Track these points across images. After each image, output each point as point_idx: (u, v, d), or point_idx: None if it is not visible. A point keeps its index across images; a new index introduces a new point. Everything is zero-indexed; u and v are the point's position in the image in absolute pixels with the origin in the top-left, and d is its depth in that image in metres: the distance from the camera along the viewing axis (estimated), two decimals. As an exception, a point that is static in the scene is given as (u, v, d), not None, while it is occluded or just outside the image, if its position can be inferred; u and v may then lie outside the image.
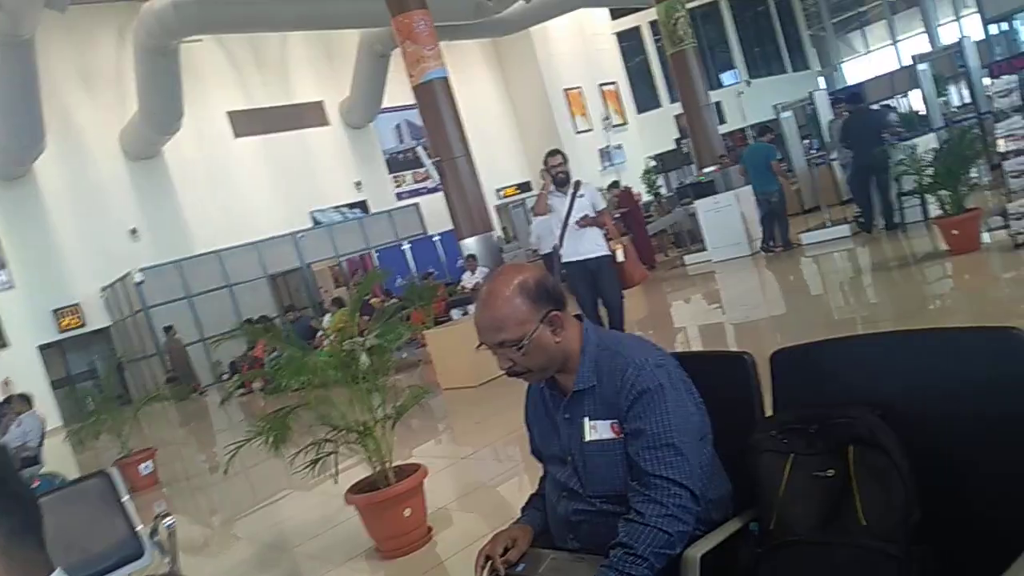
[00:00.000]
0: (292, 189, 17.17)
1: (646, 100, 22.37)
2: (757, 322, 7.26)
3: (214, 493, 6.46)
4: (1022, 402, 1.38)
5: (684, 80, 15.64)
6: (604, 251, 5.93)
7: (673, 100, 19.69)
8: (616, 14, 21.77)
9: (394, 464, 3.65)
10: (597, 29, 21.44)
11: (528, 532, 1.82)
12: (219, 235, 15.78)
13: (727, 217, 10.93)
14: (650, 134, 21.06)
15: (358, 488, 3.64)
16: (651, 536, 1.52)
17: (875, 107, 10.97)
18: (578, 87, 20.43)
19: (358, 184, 18.18)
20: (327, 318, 11.69)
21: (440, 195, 11.97)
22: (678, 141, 19.23)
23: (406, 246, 16.33)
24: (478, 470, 4.96)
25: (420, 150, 18.48)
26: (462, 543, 3.52)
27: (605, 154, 20.23)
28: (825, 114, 11.95)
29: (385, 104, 17.83)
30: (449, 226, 12.21)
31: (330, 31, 17.22)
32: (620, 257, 6.06)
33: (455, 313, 8.29)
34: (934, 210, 7.89)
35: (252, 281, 15.86)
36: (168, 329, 14.65)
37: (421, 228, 17.91)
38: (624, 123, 21.23)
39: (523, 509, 1.91)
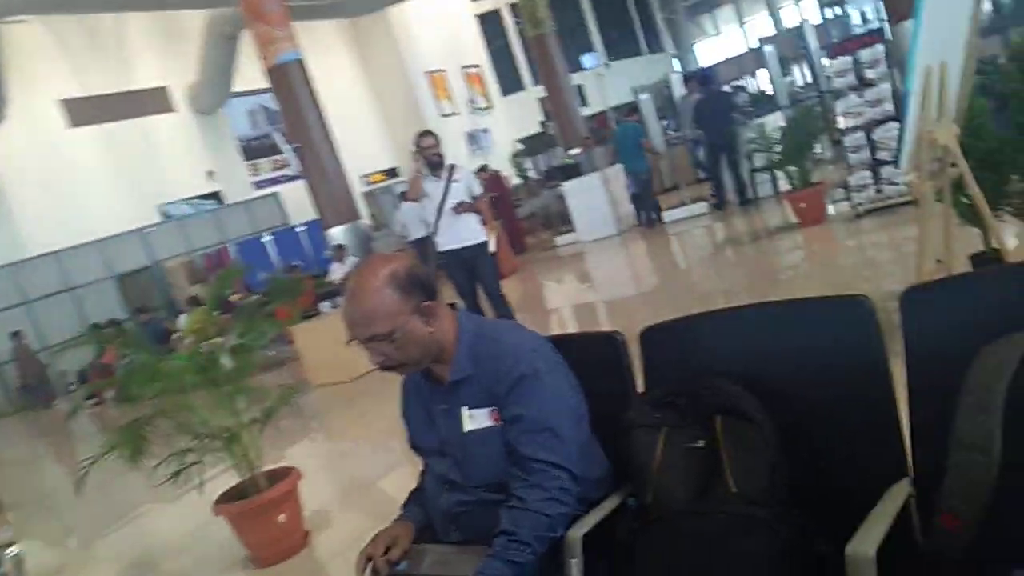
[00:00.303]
0: (137, 182, 16.01)
1: (510, 83, 22.51)
2: (627, 299, 7.48)
3: (68, 514, 5.97)
4: (870, 364, 1.46)
5: (545, 63, 15.86)
6: (482, 238, 5.75)
7: (536, 83, 19.90)
8: (474, -4, 21.73)
9: (265, 469, 3.49)
10: (457, 11, 21.32)
11: (410, 529, 1.78)
12: (57, 235, 14.52)
13: (594, 198, 11.18)
14: (516, 117, 21.22)
15: (228, 497, 3.46)
16: (533, 520, 1.52)
17: (724, 88, 11.50)
18: (441, 70, 20.26)
19: (210, 173, 17.19)
20: (182, 318, 11.06)
21: (302, 183, 11.54)
22: (543, 124, 19.49)
23: (267, 238, 15.66)
24: (357, 467, 4.84)
25: (277, 136, 17.74)
26: (343, 544, 3.42)
27: (472, 138, 20.21)
28: (680, 95, 12.43)
29: (237, 88, 16.95)
30: (313, 215, 11.81)
31: (172, 11, 16.17)
32: (492, 247, 5.89)
33: (324, 306, 8.03)
34: (784, 185, 8.39)
35: (97, 283, 14.73)
36: (15, 335, 13.41)
37: (283, 218, 17.24)
38: (489, 106, 21.27)
39: (404, 506, 1.87)
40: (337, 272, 10.03)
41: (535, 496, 1.53)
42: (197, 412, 3.35)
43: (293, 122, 10.43)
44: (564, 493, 1.55)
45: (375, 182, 19.51)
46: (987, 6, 8.26)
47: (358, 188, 16.51)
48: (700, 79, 11.22)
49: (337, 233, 10.60)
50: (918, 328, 1.40)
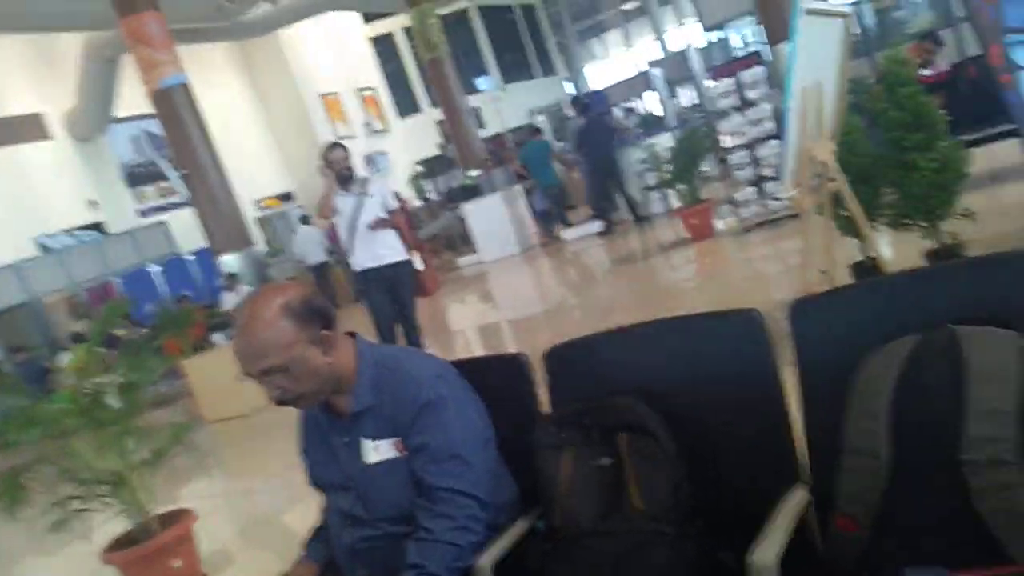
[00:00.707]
0: (12, 213, 14.96)
1: (406, 105, 22.44)
2: (531, 319, 7.53)
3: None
4: (763, 375, 1.50)
5: (442, 86, 15.91)
6: (403, 256, 5.36)
7: (433, 105, 19.92)
8: (369, 18, 21.61)
9: (158, 512, 3.29)
10: (350, 34, 21.14)
11: (312, 569, 1.72)
12: (-78, 272, 13.43)
13: (495, 218, 11.25)
14: (414, 139, 21.15)
15: (118, 544, 3.24)
16: (442, 552, 1.48)
17: (603, 114, 11.78)
18: (335, 92, 20.00)
19: (92, 203, 16.30)
20: (64, 357, 10.39)
21: (190, 210, 11.10)
22: (442, 146, 19.50)
23: (154, 268, 14.97)
24: (257, 504, 4.64)
25: (163, 162, 17.01)
26: (245, 586, 3.26)
27: (370, 160, 19.97)
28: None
29: (119, 114, 16.19)
30: (203, 243, 11.37)
31: (46, 33, 15.31)
32: (419, 265, 5.52)
33: (216, 338, 7.72)
34: (675, 202, 8.69)
35: (-31, 322, 13.68)
36: None
37: (171, 247, 16.51)
38: (386, 129, 21.13)
39: (305, 545, 1.79)
40: (229, 302, 9.65)
41: (443, 526, 1.49)
42: (81, 456, 3.12)
43: (180, 147, 10.04)
44: (473, 521, 1.52)
45: (269, 207, 19.00)
46: (855, 29, 8.87)
47: (251, 213, 16.05)
48: (581, 106, 11.38)
49: (229, 261, 10.23)
50: (807, 338, 1.46)
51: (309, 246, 12.93)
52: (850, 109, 3.89)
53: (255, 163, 18.39)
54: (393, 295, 5.33)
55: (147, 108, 10.70)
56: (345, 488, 1.65)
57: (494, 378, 1.78)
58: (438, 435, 1.54)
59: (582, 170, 10.49)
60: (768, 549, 1.23)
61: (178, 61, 9.76)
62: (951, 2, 9.15)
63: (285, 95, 19.67)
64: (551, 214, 11.12)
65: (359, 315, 10.34)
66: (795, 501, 1.40)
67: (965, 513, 1.05)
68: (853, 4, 10.08)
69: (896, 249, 4.56)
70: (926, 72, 5.75)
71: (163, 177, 17.40)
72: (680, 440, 1.50)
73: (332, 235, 12.73)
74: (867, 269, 3.87)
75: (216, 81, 17.71)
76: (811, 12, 3.22)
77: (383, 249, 5.26)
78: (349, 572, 1.67)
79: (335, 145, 5.41)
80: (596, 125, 10.32)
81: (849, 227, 3.83)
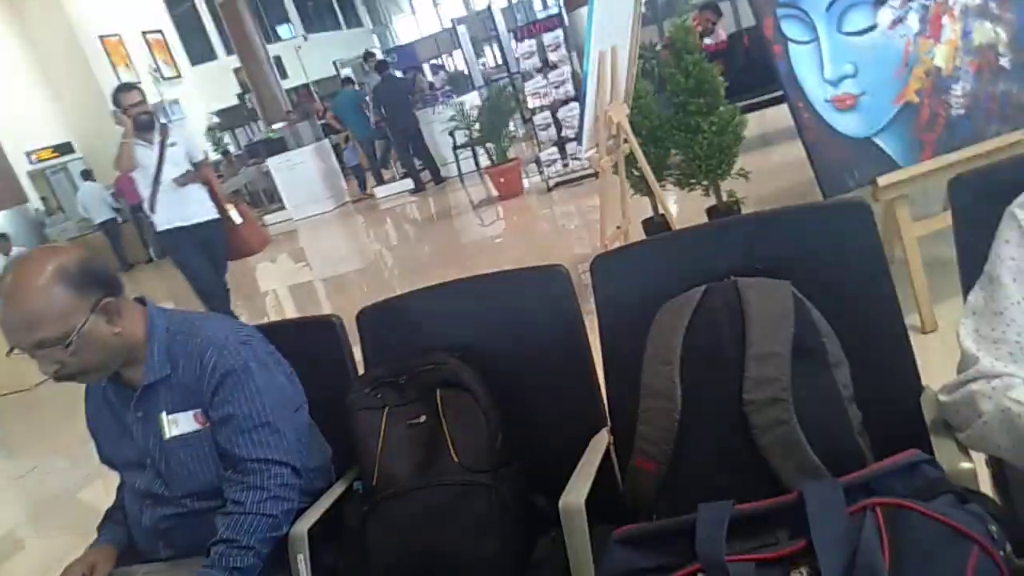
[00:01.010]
0: None
1: (200, 52, 20.76)
2: (344, 277, 7.38)
3: None
4: (568, 327, 1.59)
5: (238, 32, 14.86)
6: (214, 213, 4.83)
7: (230, 53, 18.62)
8: (154, -46, 19.66)
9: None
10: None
11: (109, 552, 1.60)
12: None
13: (304, 173, 10.82)
14: (209, 89, 19.66)
15: None
16: (255, 523, 1.44)
17: (398, 73, 11.57)
18: (116, 34, 18.10)
19: None
20: None
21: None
22: (241, 96, 18.31)
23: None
24: (47, 484, 4.26)
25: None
26: (40, 571, 2.99)
27: (160, 109, 18.37)
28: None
29: None
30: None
31: None
32: (237, 219, 4.94)
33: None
34: (484, 161, 8.81)
35: None
36: None
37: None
38: (178, 75, 19.48)
39: (99, 527, 1.67)
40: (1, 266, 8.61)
41: (255, 497, 1.45)
42: None
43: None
44: (287, 489, 1.49)
45: (44, 159, 16.99)
46: (647, -1, 9.35)
47: (23, 167, 14.29)
48: (376, 64, 11.06)
49: (-3, 220, 9.11)
50: (606, 291, 1.55)
51: (94, 202, 11.81)
52: (640, 74, 4.12)
53: (25, 111, 16.33)
54: (208, 256, 4.82)
55: None
56: (142, 465, 1.55)
57: (308, 342, 1.75)
58: (244, 405, 1.48)
59: (384, 128, 10.35)
60: (576, 492, 1.32)
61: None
62: (730, -25, 9.87)
63: (57, 37, 17.52)
64: (364, 169, 10.88)
65: (157, 277, 9.60)
66: (600, 444, 1.50)
67: (749, 449, 1.16)
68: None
69: (682, 206, 4.93)
70: (708, 41, 6.21)
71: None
72: (495, 393, 1.55)
73: (120, 190, 11.71)
74: (657, 225, 4.17)
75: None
76: (608, -23, 3.35)
77: (194, 206, 4.74)
78: (151, 552, 1.58)
79: (127, 86, 4.82)
80: (394, 84, 10.17)
81: (641, 186, 4.10)
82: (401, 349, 1.67)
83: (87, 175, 12.57)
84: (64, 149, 17.23)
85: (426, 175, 10.40)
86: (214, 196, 4.87)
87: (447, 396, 1.54)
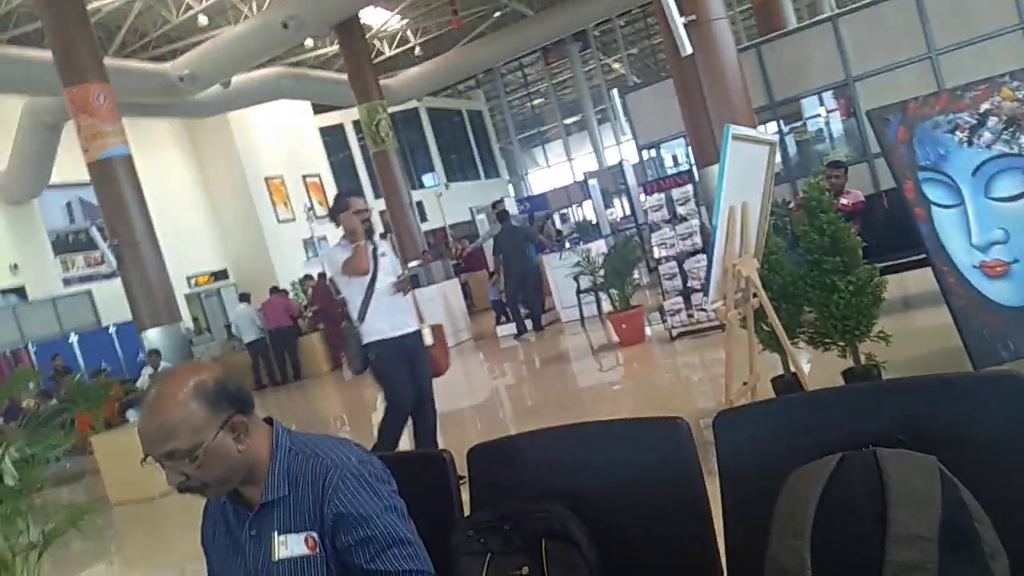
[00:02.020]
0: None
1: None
2: (460, 412, 7.42)
3: None
4: (687, 483, 1.50)
5: (387, 178, 16.17)
6: (417, 325, 4.61)
7: (377, 196, 20.16)
8: (319, 109, 21.98)
9: (38, 605, 3.02)
10: (300, 121, 21.41)
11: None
12: None
13: (432, 309, 11.23)
14: (354, 228, 21.20)
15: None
16: None
17: (516, 224, 12.00)
18: (280, 176, 20.04)
19: (14, 267, 15.68)
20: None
21: (118, 281, 10.76)
22: (383, 235, 19.55)
23: (73, 338, 14.35)
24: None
25: (95, 231, 16.57)
26: None
27: (309, 244, 19.88)
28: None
29: (54, 179, 15.82)
30: (128, 316, 10.98)
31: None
32: (429, 340, 4.69)
33: (131, 414, 7.35)
34: (607, 307, 8.85)
35: None
36: None
37: (94, 317, 15.90)
38: (328, 215, 21.20)
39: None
40: (148, 378, 9.28)
41: None
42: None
43: (114, 218, 9.86)
44: None
45: (201, 284, 18.59)
46: (778, 158, 9.44)
47: (182, 289, 15.65)
48: (499, 214, 11.42)
49: (153, 336, 9.89)
50: (730, 449, 1.47)
51: (245, 323, 12.75)
52: (773, 230, 4.07)
53: (190, 239, 18.11)
54: (412, 370, 4.54)
55: (80, 175, 10.50)
56: (248, 586, 1.54)
57: (416, 477, 1.71)
58: (377, 524, 1.47)
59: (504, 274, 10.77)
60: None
61: (122, 133, 9.69)
62: (867, 138, 9.84)
63: (230, 175, 19.64)
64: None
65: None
66: (714, 617, 1.37)
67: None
68: (777, 134, 10.76)
69: (815, 366, 4.70)
70: (844, 201, 6.12)
71: (92, 246, 16.92)
72: (602, 548, 1.47)
73: (265, 313, 12.55)
74: (788, 383, 3.97)
75: (159, 154, 17.59)
76: (738, 138, 3.41)
77: (404, 316, 4.53)
78: None
79: (353, 192, 4.70)
80: (512, 232, 10.65)
81: (771, 341, 3.95)
82: (511, 492, 1.62)
83: (244, 298, 13.57)
84: (220, 275, 18.81)
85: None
86: (417, 309, 4.72)
87: (553, 548, 1.47)
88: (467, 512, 1.67)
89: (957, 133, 2.53)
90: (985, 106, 2.54)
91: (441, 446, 4.21)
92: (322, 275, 13.92)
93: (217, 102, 16.96)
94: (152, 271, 9.94)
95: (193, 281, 18.18)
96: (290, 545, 1.50)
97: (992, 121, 2.53)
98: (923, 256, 2.60)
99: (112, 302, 14.92)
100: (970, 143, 2.52)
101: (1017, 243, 2.45)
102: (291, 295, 14.92)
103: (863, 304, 3.62)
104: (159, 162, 17.15)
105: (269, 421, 1.61)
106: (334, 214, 4.54)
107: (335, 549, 1.50)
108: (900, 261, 5.15)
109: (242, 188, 19.25)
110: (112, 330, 14.70)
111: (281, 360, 12.74)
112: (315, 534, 1.49)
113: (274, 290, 13.50)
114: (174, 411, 1.42)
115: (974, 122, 2.54)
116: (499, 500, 1.61)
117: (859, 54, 9.91)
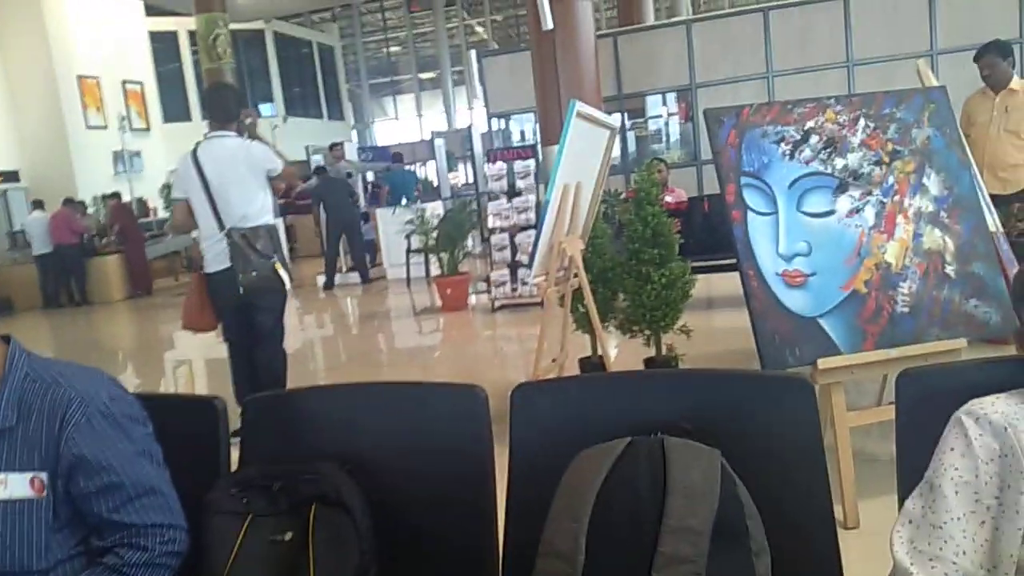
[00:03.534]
0: None
1: (176, 110, 20.86)
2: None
3: None
4: (476, 455, 1.42)
5: (218, 100, 15.07)
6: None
7: (204, 117, 18.75)
8: (152, 12, 20.01)
9: None
10: (128, 19, 19.37)
11: None
12: None
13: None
14: (175, 147, 19.58)
15: None
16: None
17: (338, 176, 11.96)
18: (96, 77, 18.07)
19: None
20: None
21: None
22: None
23: None
24: None
25: None
26: None
27: (120, 158, 18.14)
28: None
29: None
30: None
31: None
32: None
33: None
34: (435, 271, 8.77)
35: None
36: None
37: None
38: (147, 128, 19.40)
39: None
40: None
41: (134, 558, 1.29)
42: None
43: None
44: (171, 557, 1.33)
45: (-12, 183, 16.44)
46: (618, 150, 9.76)
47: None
48: (316, 169, 11.88)
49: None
50: (525, 425, 1.41)
51: (38, 233, 11.51)
52: (602, 216, 4.15)
53: (-23, 131, 15.97)
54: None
55: None
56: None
57: (182, 422, 1.53)
58: (128, 470, 1.32)
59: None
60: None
61: None
62: (700, 144, 10.40)
63: (33, 63, 17.41)
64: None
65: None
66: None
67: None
68: (620, 125, 11.10)
69: (622, 351, 4.87)
70: (669, 199, 6.43)
71: None
72: (378, 516, 1.37)
73: (51, 227, 11.31)
74: (594, 365, 4.08)
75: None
76: (582, 116, 3.41)
77: None
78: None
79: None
80: (334, 184, 10.63)
81: (584, 323, 4.03)
82: (286, 449, 1.48)
83: (38, 204, 12.20)
84: (10, 177, 16.77)
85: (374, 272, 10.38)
86: None
87: (322, 513, 1.34)
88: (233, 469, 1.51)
89: (782, 145, 2.64)
90: (810, 124, 2.67)
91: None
92: (117, 194, 12.89)
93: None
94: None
95: (-22, 180, 16.04)
96: (10, 485, 1.28)
97: (814, 139, 2.66)
98: (732, 261, 2.70)
99: None
100: (792, 156, 2.64)
101: (817, 257, 2.60)
102: (91, 210, 13.57)
103: (672, 297, 3.78)
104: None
105: (7, 340, 1.37)
106: (234, 114, 4.17)
107: (68, 495, 1.30)
108: (710, 263, 5.46)
109: (48, 81, 17.13)
110: None
111: (66, 281, 11.60)
112: (44, 475, 1.29)
113: (67, 202, 12.18)
114: None
115: (798, 137, 2.66)
116: (274, 459, 1.46)
117: (705, 62, 10.38)
